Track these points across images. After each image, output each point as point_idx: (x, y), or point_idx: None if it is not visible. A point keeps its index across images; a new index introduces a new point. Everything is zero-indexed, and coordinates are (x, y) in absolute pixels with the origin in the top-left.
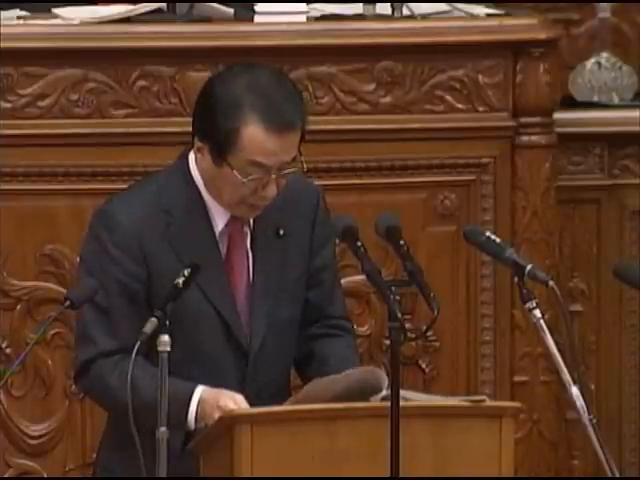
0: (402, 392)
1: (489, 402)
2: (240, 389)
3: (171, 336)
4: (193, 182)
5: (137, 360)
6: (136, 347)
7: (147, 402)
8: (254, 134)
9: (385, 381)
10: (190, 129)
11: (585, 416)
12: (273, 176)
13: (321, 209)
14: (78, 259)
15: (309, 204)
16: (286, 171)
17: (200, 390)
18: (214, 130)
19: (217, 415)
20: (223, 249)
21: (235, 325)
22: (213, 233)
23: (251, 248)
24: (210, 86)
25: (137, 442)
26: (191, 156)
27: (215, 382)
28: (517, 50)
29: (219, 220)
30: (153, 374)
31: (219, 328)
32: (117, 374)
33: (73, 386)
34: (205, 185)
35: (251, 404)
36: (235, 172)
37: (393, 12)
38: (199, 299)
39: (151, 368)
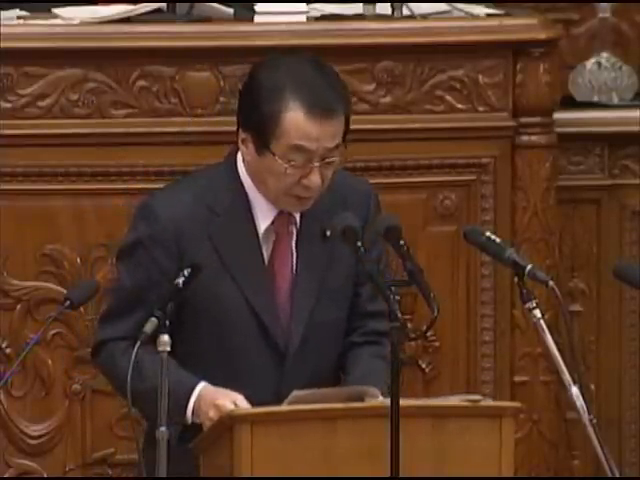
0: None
1: (487, 402)
2: (277, 390)
3: (207, 335)
4: (239, 180)
5: (148, 348)
6: (136, 347)
7: (151, 389)
8: (295, 119)
9: (378, 393)
10: (191, 129)
11: (585, 416)
12: (316, 164)
13: (372, 211)
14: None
15: (360, 205)
16: (329, 159)
17: (201, 386)
18: (257, 116)
19: (212, 413)
20: (268, 249)
21: (273, 326)
22: (256, 233)
23: (296, 248)
24: (253, 74)
25: (134, 431)
26: (239, 154)
27: (251, 383)
28: (517, 50)
29: (263, 219)
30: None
31: (256, 328)
32: (127, 357)
33: (73, 386)
34: (252, 180)
35: None
36: (277, 158)
37: (393, 12)
38: (237, 299)
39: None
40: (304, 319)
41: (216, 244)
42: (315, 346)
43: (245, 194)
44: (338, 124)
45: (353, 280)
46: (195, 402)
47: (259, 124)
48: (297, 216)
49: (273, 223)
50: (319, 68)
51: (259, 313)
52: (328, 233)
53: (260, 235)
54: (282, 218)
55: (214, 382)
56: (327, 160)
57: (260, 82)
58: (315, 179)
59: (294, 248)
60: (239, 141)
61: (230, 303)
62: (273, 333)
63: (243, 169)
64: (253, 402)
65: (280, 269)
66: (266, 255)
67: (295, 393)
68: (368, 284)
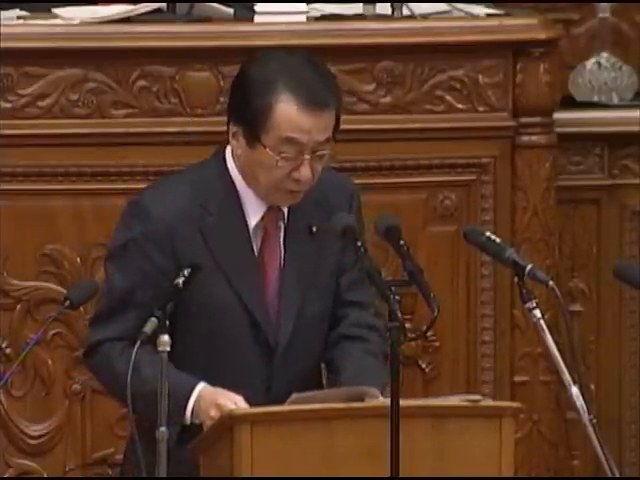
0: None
1: (486, 402)
2: (267, 385)
3: (199, 331)
4: (229, 176)
5: (146, 348)
6: (136, 347)
7: (150, 390)
8: (287, 111)
9: (378, 394)
10: (191, 129)
11: (585, 416)
12: (307, 157)
13: (354, 207)
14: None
15: (343, 204)
16: (319, 153)
17: (200, 386)
18: (248, 109)
19: (213, 412)
20: (257, 244)
21: (263, 321)
22: (247, 228)
23: (284, 243)
24: (244, 69)
25: (135, 432)
26: (228, 150)
27: (241, 377)
28: (517, 50)
29: (254, 215)
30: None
31: (246, 323)
32: (125, 359)
33: (73, 386)
34: (242, 174)
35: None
36: (268, 150)
37: (393, 12)
38: (228, 294)
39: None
40: (292, 315)
41: (208, 241)
42: (304, 342)
43: (235, 190)
44: (329, 117)
45: (337, 275)
46: (195, 402)
47: (250, 117)
48: (285, 211)
49: (263, 219)
50: (310, 62)
51: (251, 310)
52: (314, 228)
53: (250, 231)
54: (271, 213)
55: (206, 378)
56: (318, 153)
57: (251, 76)
58: (306, 172)
59: (282, 244)
60: (230, 136)
61: (222, 300)
62: (264, 329)
63: (233, 165)
64: (245, 399)
65: (269, 264)
66: (255, 251)
67: (295, 395)
68: (347, 274)
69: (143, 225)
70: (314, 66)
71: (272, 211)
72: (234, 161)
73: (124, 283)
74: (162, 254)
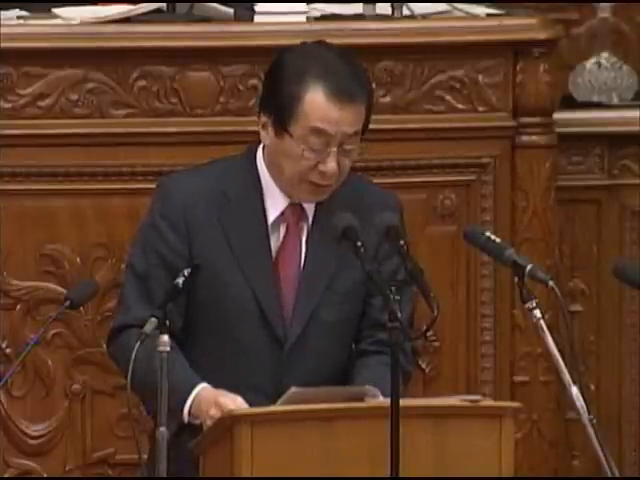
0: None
1: (486, 402)
2: (276, 382)
3: (209, 317)
4: (255, 168)
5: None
6: (136, 347)
7: (151, 383)
8: (316, 101)
9: (378, 393)
10: (191, 129)
11: (585, 416)
12: (333, 149)
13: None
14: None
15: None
16: (346, 146)
17: (200, 387)
18: (278, 98)
19: (213, 411)
20: (277, 241)
21: (273, 315)
22: (265, 221)
23: (307, 245)
24: (279, 57)
25: (134, 431)
26: (260, 147)
27: (249, 370)
28: (517, 50)
29: (274, 209)
30: (174, 358)
31: (256, 316)
32: (144, 346)
33: (73, 386)
34: (268, 166)
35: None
36: (295, 140)
37: (393, 12)
38: (241, 285)
39: (172, 352)
40: (305, 316)
41: (225, 229)
42: (314, 344)
43: (259, 182)
44: (358, 111)
45: (366, 287)
46: (193, 401)
47: (280, 105)
48: (310, 213)
49: (283, 214)
50: (344, 57)
51: (260, 300)
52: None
53: (269, 225)
54: (293, 210)
55: (215, 369)
56: (345, 147)
57: (284, 65)
58: (332, 165)
59: (304, 244)
60: (260, 127)
61: (234, 289)
62: (273, 323)
63: (261, 159)
64: (254, 392)
65: (287, 263)
66: (274, 246)
67: (293, 389)
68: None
69: (161, 205)
70: (347, 60)
71: (293, 208)
72: (263, 157)
73: (142, 265)
74: (177, 236)
